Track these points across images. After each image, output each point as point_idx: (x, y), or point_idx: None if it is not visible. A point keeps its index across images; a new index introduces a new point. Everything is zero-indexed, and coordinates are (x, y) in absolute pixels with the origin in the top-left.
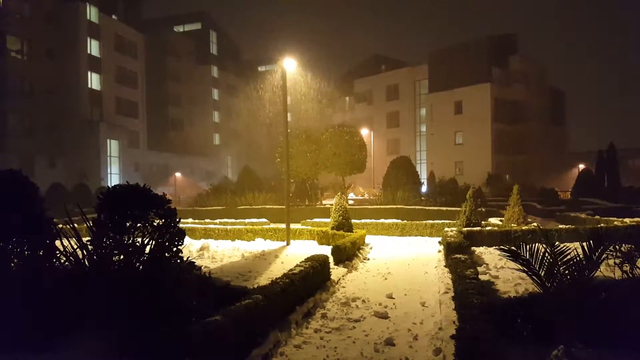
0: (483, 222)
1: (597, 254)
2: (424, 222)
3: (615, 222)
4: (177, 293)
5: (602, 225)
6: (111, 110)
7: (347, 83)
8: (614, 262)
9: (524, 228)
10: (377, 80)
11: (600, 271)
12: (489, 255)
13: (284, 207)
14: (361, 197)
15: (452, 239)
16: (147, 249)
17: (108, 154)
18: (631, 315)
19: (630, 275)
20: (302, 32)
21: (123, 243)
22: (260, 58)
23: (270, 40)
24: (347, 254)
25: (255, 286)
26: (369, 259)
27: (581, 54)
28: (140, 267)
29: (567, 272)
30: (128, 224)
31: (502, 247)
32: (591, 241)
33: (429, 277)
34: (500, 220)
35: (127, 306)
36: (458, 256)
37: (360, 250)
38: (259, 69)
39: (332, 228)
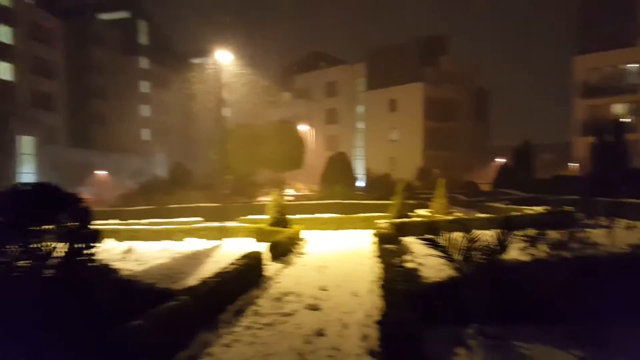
0: (412, 214)
1: (506, 239)
2: (359, 215)
3: (526, 210)
4: (92, 298)
5: (514, 213)
6: (26, 103)
7: (286, 79)
8: (524, 246)
9: (448, 218)
10: (316, 76)
11: (514, 256)
12: (417, 244)
13: (220, 204)
14: (300, 193)
15: (383, 230)
16: (57, 252)
17: (20, 152)
18: (537, 292)
19: (535, 257)
20: (240, 26)
21: (28, 248)
22: (195, 50)
23: (205, 32)
24: (283, 250)
25: (185, 287)
26: (305, 254)
27: (503, 56)
28: (49, 273)
29: (481, 256)
30: (34, 227)
31: (424, 236)
32: (502, 228)
33: (362, 268)
34: (429, 212)
35: (36, 315)
36: (388, 246)
37: (297, 245)
38: (193, 61)
39: (270, 224)
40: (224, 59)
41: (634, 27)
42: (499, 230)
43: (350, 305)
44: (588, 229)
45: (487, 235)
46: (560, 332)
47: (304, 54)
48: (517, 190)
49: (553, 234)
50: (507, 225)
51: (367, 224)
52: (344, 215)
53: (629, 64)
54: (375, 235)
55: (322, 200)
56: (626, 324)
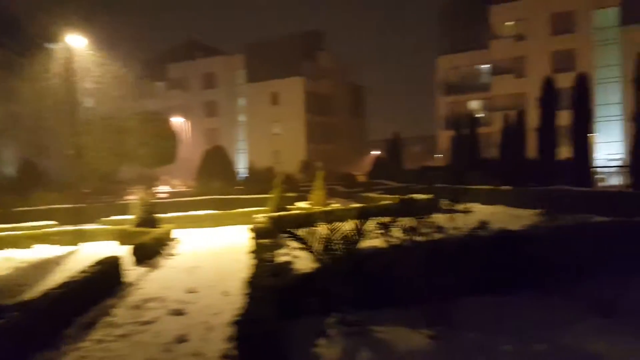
0: (292, 207)
1: (362, 228)
2: (238, 210)
3: (391, 199)
4: None
5: (384, 202)
6: None
7: (158, 68)
8: (381, 233)
9: (326, 209)
10: (193, 66)
11: (375, 244)
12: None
13: (79, 205)
14: (176, 190)
15: (260, 224)
16: None
17: None
18: (392, 277)
19: (390, 243)
20: (107, 10)
21: None
22: (51, 33)
23: (61, 15)
24: (149, 252)
25: (20, 302)
26: (176, 254)
27: (378, 55)
28: None
29: (341, 246)
30: None
31: (286, 230)
32: (361, 217)
33: (237, 265)
34: (309, 204)
35: None
36: (262, 241)
37: (167, 246)
38: (47, 45)
39: (136, 225)
40: (77, 44)
41: (487, 30)
42: (357, 220)
43: (219, 306)
44: (440, 214)
45: (353, 225)
46: (414, 313)
47: (177, 43)
48: (390, 180)
49: (407, 221)
50: (365, 214)
51: (246, 219)
52: (221, 211)
53: (482, 64)
54: (251, 230)
55: (199, 196)
56: (472, 299)
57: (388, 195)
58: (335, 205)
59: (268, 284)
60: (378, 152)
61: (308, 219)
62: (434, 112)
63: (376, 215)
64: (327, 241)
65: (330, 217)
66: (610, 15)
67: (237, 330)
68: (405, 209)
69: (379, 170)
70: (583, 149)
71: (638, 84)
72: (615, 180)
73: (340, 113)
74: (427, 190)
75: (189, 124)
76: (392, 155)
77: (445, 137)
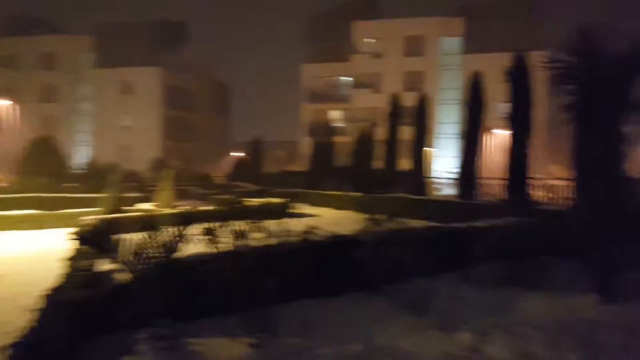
0: (132, 208)
1: (184, 234)
2: (67, 211)
3: (249, 202)
4: None
5: (218, 207)
6: None
7: None
8: (210, 239)
9: (171, 212)
10: (27, 43)
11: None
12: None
13: None
14: None
15: (86, 228)
16: None
17: None
18: (217, 284)
19: (219, 250)
20: None
21: None
22: None
23: None
24: None
25: None
26: None
27: (244, 56)
28: None
29: (159, 253)
30: None
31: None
32: (185, 222)
33: (52, 274)
34: (153, 205)
35: None
36: (84, 247)
37: None
38: None
39: None
40: None
41: (349, 44)
42: (180, 226)
43: (15, 323)
44: (285, 218)
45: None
46: (238, 322)
47: (8, 15)
48: (250, 183)
49: (239, 225)
50: (195, 218)
51: (76, 222)
52: (45, 212)
53: (343, 76)
54: (74, 234)
55: (20, 193)
56: (300, 304)
57: (244, 199)
58: (185, 207)
59: (68, 297)
60: (241, 154)
61: (149, 222)
62: (298, 118)
63: (209, 220)
64: (142, 248)
65: (175, 220)
66: (455, 43)
67: (13, 355)
68: (238, 213)
69: (240, 173)
70: (420, 161)
71: (469, 105)
72: (450, 191)
73: (202, 110)
74: (283, 194)
75: (18, 108)
76: (253, 157)
77: (307, 143)
